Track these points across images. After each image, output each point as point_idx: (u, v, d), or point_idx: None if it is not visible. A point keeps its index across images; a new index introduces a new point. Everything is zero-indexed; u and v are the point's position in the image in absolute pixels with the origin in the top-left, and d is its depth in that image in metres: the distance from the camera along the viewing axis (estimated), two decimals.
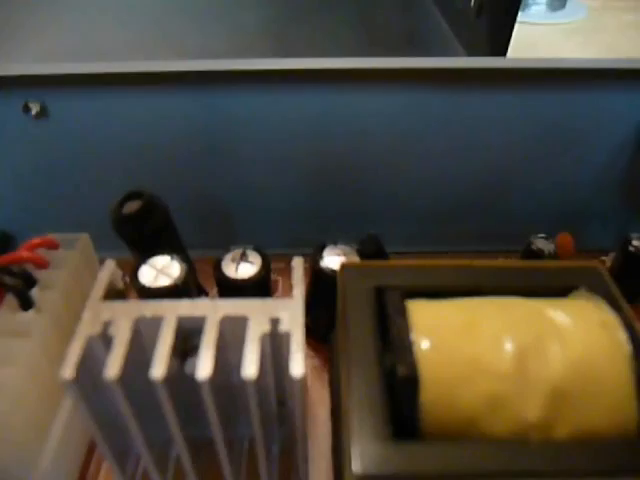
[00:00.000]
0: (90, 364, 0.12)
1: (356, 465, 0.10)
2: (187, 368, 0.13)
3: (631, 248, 0.19)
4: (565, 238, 0.20)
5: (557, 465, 0.11)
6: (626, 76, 0.21)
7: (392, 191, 0.24)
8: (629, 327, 0.12)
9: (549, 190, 0.23)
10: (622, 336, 0.12)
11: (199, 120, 0.21)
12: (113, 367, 0.11)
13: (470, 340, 0.12)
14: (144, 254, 0.16)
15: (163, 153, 0.22)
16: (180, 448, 0.13)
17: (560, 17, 0.58)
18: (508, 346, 0.12)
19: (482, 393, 0.11)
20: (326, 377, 0.17)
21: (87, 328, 0.12)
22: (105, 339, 0.12)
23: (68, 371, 0.11)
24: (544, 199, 0.24)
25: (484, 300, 0.13)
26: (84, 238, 0.16)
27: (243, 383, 0.12)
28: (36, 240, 0.16)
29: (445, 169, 0.23)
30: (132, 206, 0.17)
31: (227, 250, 0.17)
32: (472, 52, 0.48)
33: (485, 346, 0.12)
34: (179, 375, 0.13)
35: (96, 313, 0.13)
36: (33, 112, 0.21)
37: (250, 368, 0.11)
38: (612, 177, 0.23)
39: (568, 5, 0.59)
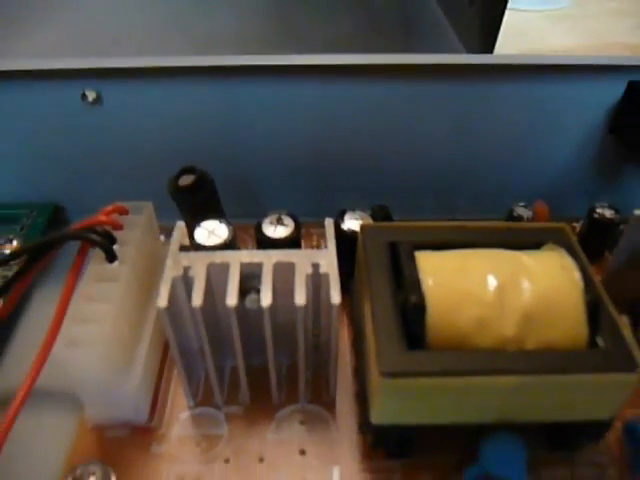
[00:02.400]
0: (173, 299, 0.16)
1: (382, 367, 0.14)
2: (247, 303, 0.17)
3: (595, 215, 0.23)
4: (541, 206, 0.23)
5: (526, 366, 0.15)
6: (593, 70, 0.25)
7: (393, 170, 0.27)
8: (583, 269, 0.16)
9: (531, 168, 0.27)
10: (577, 275, 0.16)
11: (232, 107, 0.25)
12: (197, 298, 0.15)
13: (463, 278, 0.16)
14: (196, 219, 0.20)
15: (200, 136, 0.25)
16: (239, 363, 0.17)
17: (547, 4, 0.61)
18: (491, 282, 0.15)
19: (472, 317, 0.15)
20: (345, 319, 0.21)
21: (172, 271, 0.16)
22: (185, 280, 0.16)
23: (162, 302, 0.15)
24: (527, 176, 0.27)
25: (474, 251, 0.17)
26: (148, 205, 0.20)
27: (292, 314, 0.16)
28: (110, 207, 0.19)
29: (437, 152, 0.27)
30: (187, 179, 0.20)
31: (265, 215, 0.20)
32: (466, 40, 0.51)
33: (474, 282, 0.16)
34: (240, 310, 0.16)
35: (176, 261, 0.16)
36: (89, 99, 0.24)
37: (300, 297, 0.15)
38: (585, 156, 0.27)
39: None
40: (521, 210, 0.23)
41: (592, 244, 0.23)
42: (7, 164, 0.26)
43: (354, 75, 0.24)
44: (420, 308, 0.15)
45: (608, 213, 0.23)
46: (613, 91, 0.25)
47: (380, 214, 0.22)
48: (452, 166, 0.27)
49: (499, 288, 0.15)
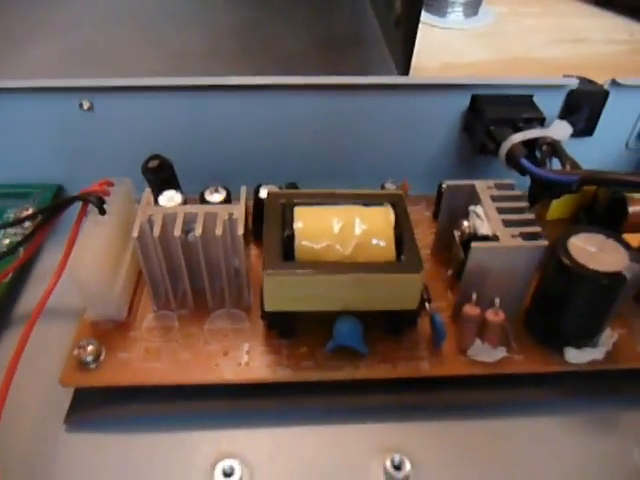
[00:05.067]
0: (142, 235, 0.25)
1: (266, 269, 0.24)
2: (189, 238, 0.26)
3: (441, 190, 0.33)
4: (405, 183, 0.33)
5: (357, 269, 0.24)
6: (451, 87, 0.35)
7: (307, 161, 0.37)
8: (398, 215, 0.26)
9: (408, 157, 0.37)
10: (392, 218, 0.26)
11: (193, 113, 0.34)
12: (156, 230, 0.25)
13: (320, 221, 0.25)
14: (159, 190, 0.29)
15: (168, 133, 0.35)
16: (185, 280, 0.27)
17: (472, 23, 0.70)
18: (337, 223, 0.25)
19: (324, 243, 0.25)
20: (261, 257, 0.31)
21: (142, 216, 0.25)
22: (150, 223, 0.26)
23: (135, 233, 0.25)
24: (404, 163, 0.37)
25: (334, 206, 0.27)
26: (128, 180, 0.29)
27: (218, 247, 0.25)
28: (101, 181, 0.29)
29: (345, 146, 0.37)
30: (153, 163, 0.30)
31: (207, 187, 0.30)
32: (394, 58, 0.61)
33: (327, 223, 0.25)
34: (185, 243, 0.26)
35: (144, 211, 0.26)
36: (85, 108, 0.33)
37: (218, 230, 0.25)
38: (448, 148, 0.37)
39: (480, 12, 0.72)
40: (389, 185, 0.33)
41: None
42: (22, 155, 0.36)
43: (290, 91, 0.34)
44: (290, 238, 0.25)
45: None
46: (463, 100, 0.35)
47: (289, 187, 0.32)
48: (354, 155, 0.37)
49: (342, 227, 0.25)
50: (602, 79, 0.36)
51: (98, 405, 0.25)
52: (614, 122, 0.37)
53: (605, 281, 0.24)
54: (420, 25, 0.52)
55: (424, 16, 0.69)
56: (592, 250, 0.25)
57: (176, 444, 0.25)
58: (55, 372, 0.26)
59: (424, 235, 0.33)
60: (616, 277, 0.24)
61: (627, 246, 0.25)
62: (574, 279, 0.25)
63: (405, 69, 0.54)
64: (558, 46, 0.65)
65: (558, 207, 0.34)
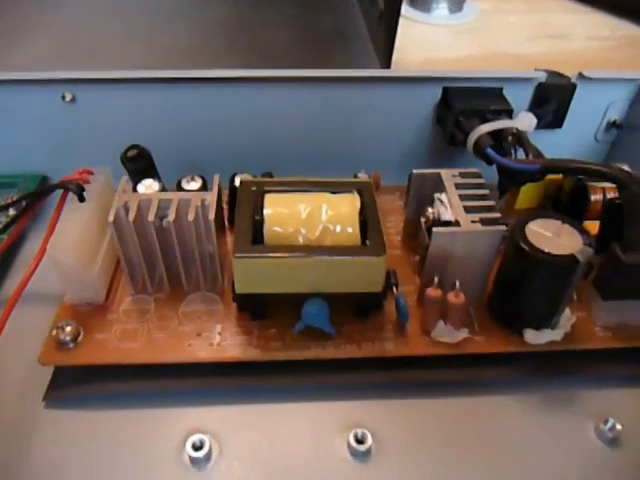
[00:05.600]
0: (118, 220, 0.27)
1: (236, 252, 0.25)
2: (163, 224, 0.27)
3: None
4: (377, 173, 0.34)
5: (322, 253, 0.25)
6: (423, 80, 0.36)
7: (286, 151, 0.38)
8: (364, 203, 0.27)
9: (384, 148, 0.38)
10: (357, 204, 0.27)
11: (173, 104, 0.35)
12: (131, 215, 0.26)
13: (289, 207, 0.26)
14: (138, 178, 0.31)
15: (148, 125, 0.36)
16: (160, 265, 0.28)
17: (456, 19, 0.71)
18: (305, 209, 0.26)
19: (292, 228, 0.26)
20: None
21: (118, 202, 0.27)
22: (125, 209, 0.27)
23: (111, 218, 0.26)
24: (381, 154, 0.38)
25: (303, 194, 0.28)
26: (107, 169, 0.30)
27: (191, 232, 0.26)
28: (81, 170, 0.30)
29: (327, 140, 0.38)
30: (132, 152, 0.31)
31: (184, 175, 0.31)
32: (377, 48, 0.62)
33: (295, 209, 0.26)
34: (159, 228, 0.27)
35: (121, 197, 0.27)
36: (67, 99, 0.35)
37: (191, 215, 0.26)
38: (421, 141, 0.38)
39: (465, 8, 0.73)
40: (361, 174, 0.34)
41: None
42: (7, 146, 0.37)
43: (267, 83, 0.35)
44: (261, 222, 0.26)
45: None
46: (435, 93, 0.36)
47: (264, 177, 0.33)
48: (331, 147, 0.38)
49: (310, 212, 0.26)
50: None
51: (76, 383, 0.27)
52: (583, 114, 0.38)
53: (558, 264, 0.25)
54: (405, 20, 0.53)
55: (409, 12, 0.70)
56: (548, 235, 0.26)
57: (150, 420, 0.26)
58: (36, 352, 0.27)
59: (396, 223, 0.34)
60: (569, 260, 0.25)
61: (582, 231, 0.26)
62: (530, 262, 0.26)
63: (387, 63, 0.55)
64: (540, 42, 0.66)
65: (526, 196, 0.35)
